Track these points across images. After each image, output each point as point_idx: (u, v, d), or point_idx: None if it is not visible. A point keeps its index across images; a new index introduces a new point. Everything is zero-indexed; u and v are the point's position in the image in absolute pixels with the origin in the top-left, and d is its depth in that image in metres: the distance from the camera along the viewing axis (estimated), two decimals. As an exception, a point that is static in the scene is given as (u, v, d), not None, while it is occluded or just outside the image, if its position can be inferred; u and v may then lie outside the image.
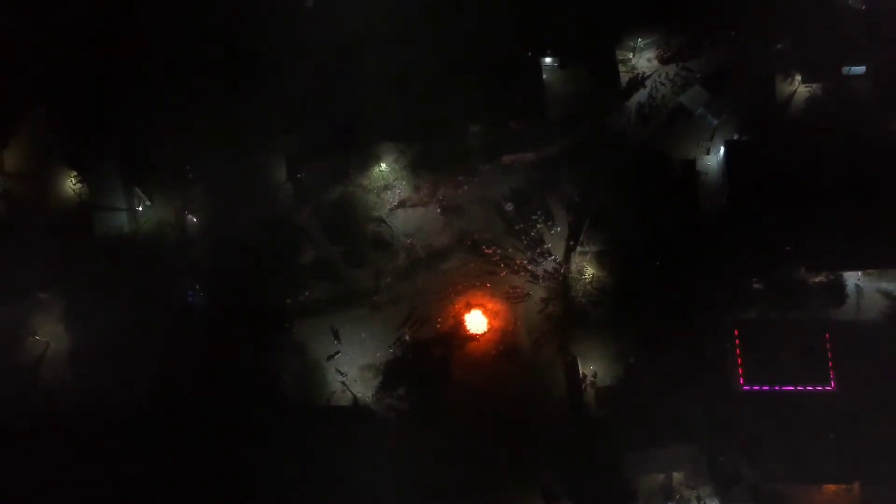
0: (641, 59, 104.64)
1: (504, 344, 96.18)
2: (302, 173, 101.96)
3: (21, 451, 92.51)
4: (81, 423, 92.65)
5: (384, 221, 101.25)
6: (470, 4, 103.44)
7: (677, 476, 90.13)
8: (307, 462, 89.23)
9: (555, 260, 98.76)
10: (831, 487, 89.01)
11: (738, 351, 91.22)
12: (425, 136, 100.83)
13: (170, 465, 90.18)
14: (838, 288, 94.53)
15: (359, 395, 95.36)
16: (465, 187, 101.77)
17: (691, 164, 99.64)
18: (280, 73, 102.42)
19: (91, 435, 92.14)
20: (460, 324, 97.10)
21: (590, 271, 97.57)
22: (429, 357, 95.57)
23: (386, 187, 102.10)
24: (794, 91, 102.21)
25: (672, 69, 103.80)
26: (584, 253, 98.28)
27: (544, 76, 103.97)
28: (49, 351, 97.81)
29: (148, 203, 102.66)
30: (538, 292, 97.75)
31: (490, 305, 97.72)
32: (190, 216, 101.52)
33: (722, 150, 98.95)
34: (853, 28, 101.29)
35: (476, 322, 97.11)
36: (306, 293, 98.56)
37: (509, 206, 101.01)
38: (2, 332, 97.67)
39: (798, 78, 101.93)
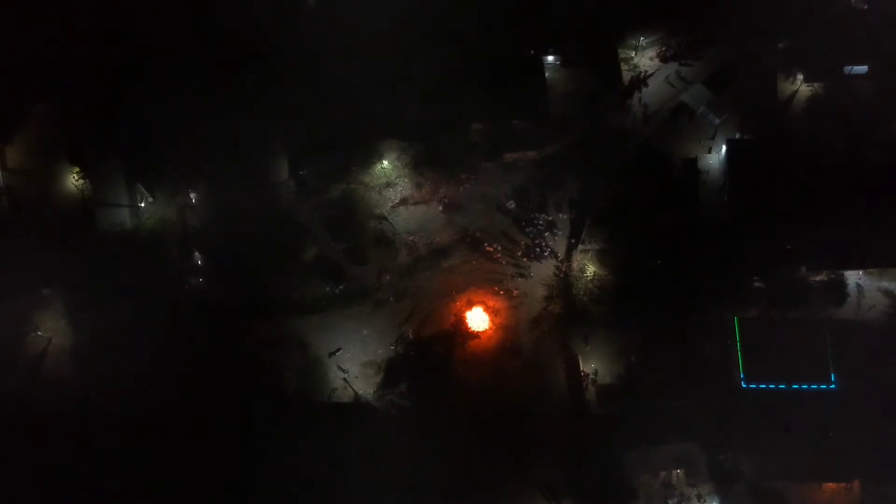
0: (644, 57, 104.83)
1: (505, 341, 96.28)
2: (304, 171, 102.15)
3: (22, 446, 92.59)
4: (83, 419, 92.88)
5: (386, 219, 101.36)
6: (473, 3, 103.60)
7: (678, 474, 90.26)
8: (308, 458, 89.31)
9: (556, 258, 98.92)
10: (831, 486, 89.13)
11: (738, 349, 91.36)
12: (428, 133, 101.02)
13: (171, 460, 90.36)
14: (839, 286, 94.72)
15: (360, 391, 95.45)
16: (467, 185, 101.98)
17: (693, 162, 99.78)
18: (282, 72, 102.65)
19: (92, 430, 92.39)
20: (462, 321, 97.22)
21: (591, 269, 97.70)
22: (430, 354, 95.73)
23: (388, 185, 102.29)
24: (796, 90, 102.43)
25: (674, 67, 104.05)
26: (585, 251, 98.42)
27: (547, 75, 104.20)
28: (51, 346, 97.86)
29: (150, 199, 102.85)
30: (539, 290, 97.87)
31: (491, 303, 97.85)
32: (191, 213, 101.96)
33: (723, 148, 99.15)
34: (855, 28, 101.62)
35: (477, 319, 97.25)
36: (308, 290, 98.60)
37: (511, 204, 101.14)
38: (4, 328, 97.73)
39: (800, 77, 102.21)
